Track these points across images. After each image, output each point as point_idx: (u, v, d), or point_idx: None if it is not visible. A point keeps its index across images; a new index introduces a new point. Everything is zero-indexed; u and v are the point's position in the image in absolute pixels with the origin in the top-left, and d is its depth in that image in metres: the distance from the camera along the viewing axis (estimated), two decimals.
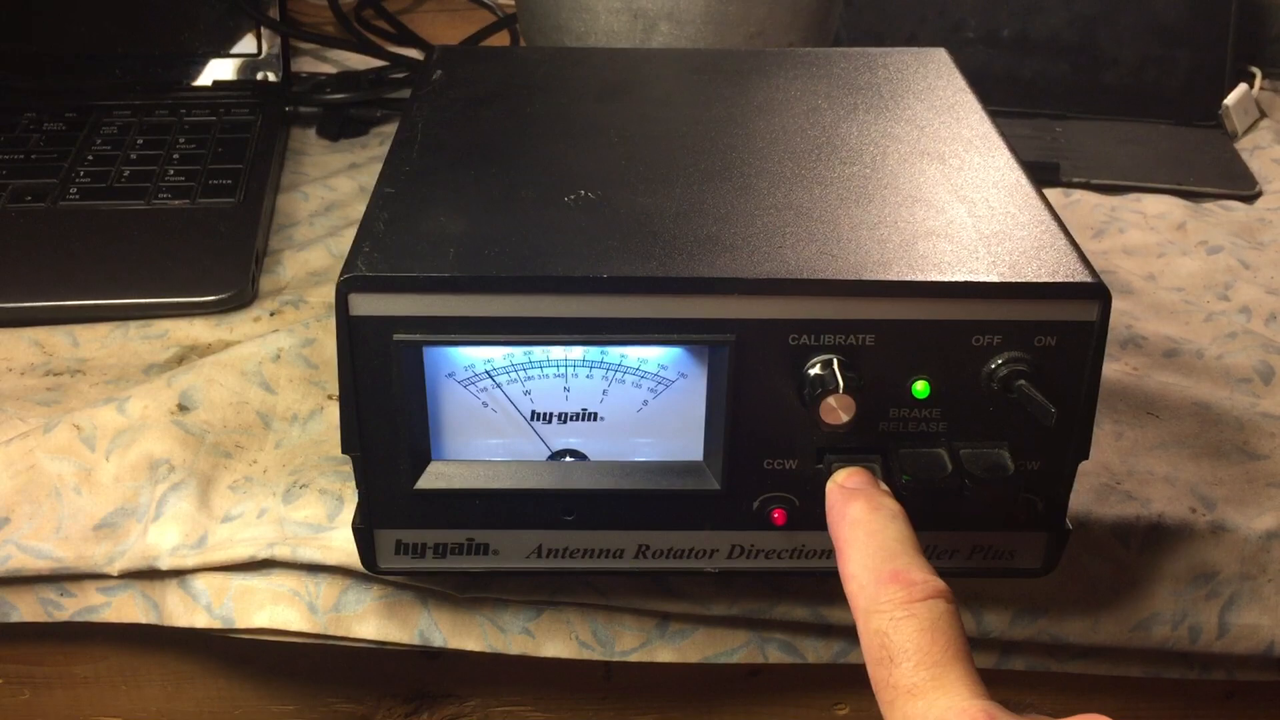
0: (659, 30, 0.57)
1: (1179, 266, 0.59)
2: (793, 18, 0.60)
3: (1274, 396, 0.49)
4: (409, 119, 0.45)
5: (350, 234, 0.59)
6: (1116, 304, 0.56)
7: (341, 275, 0.35)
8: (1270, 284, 0.57)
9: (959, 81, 0.49)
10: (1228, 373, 0.51)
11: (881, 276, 0.35)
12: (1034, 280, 0.35)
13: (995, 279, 0.35)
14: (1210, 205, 0.65)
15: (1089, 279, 0.35)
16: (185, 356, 0.50)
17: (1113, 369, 0.50)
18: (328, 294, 0.55)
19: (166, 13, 0.72)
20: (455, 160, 0.42)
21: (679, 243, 0.37)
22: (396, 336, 0.36)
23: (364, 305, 0.35)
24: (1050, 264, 0.36)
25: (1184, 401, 0.48)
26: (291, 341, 0.50)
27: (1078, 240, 0.56)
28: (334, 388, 0.48)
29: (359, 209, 0.63)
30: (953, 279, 0.35)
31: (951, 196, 0.40)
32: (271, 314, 0.53)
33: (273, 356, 0.49)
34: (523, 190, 0.40)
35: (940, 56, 0.52)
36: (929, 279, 0.35)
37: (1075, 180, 0.67)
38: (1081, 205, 0.65)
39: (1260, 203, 0.65)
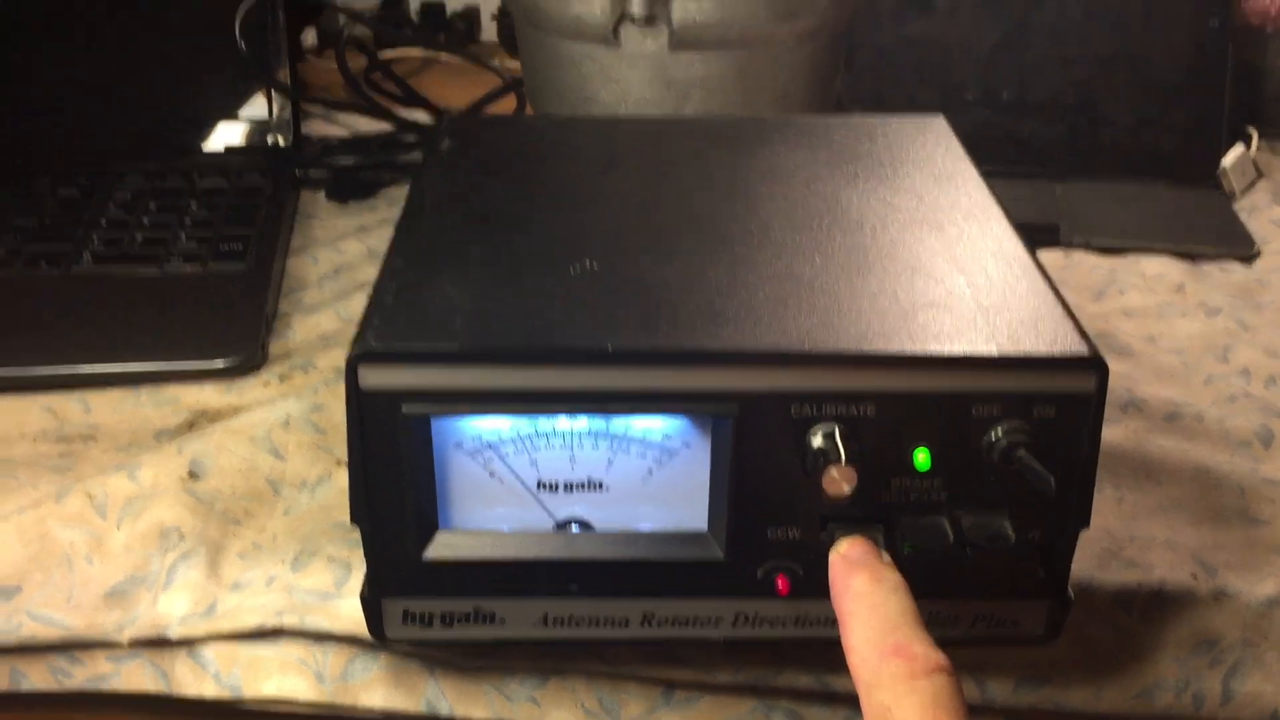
0: (691, 98, 0.58)
1: (1179, 328, 0.59)
2: (810, 81, 0.61)
3: (1274, 460, 0.50)
4: (418, 188, 0.46)
5: (359, 298, 0.60)
6: (1117, 367, 0.56)
7: (352, 349, 0.36)
8: (1269, 346, 0.58)
9: (957, 149, 0.50)
10: (1228, 436, 0.51)
11: (882, 349, 0.36)
12: (1031, 353, 0.36)
13: (993, 351, 0.36)
14: (1209, 266, 0.66)
15: (1085, 352, 0.36)
16: (196, 422, 0.51)
17: (1114, 432, 0.51)
18: (336, 358, 0.56)
19: (179, 77, 0.73)
20: (463, 230, 0.43)
21: (682, 314, 0.37)
22: (405, 408, 0.36)
23: (373, 378, 0.36)
24: (1048, 335, 0.37)
25: (1185, 465, 0.49)
26: (300, 407, 0.51)
27: (1078, 302, 0.56)
28: (342, 453, 0.49)
29: (367, 272, 0.64)
30: (951, 352, 0.36)
31: (950, 266, 0.40)
32: (280, 378, 0.54)
33: (282, 423, 0.49)
34: (529, 261, 0.40)
35: (939, 124, 0.53)
36: (928, 351, 0.36)
37: (1075, 241, 0.67)
38: (1081, 266, 0.65)
39: (1258, 264, 0.66)
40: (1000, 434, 0.36)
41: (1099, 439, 0.37)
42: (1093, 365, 0.36)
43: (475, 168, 0.48)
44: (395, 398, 0.36)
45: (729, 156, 0.49)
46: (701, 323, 0.37)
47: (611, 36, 0.56)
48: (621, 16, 0.55)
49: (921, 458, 0.37)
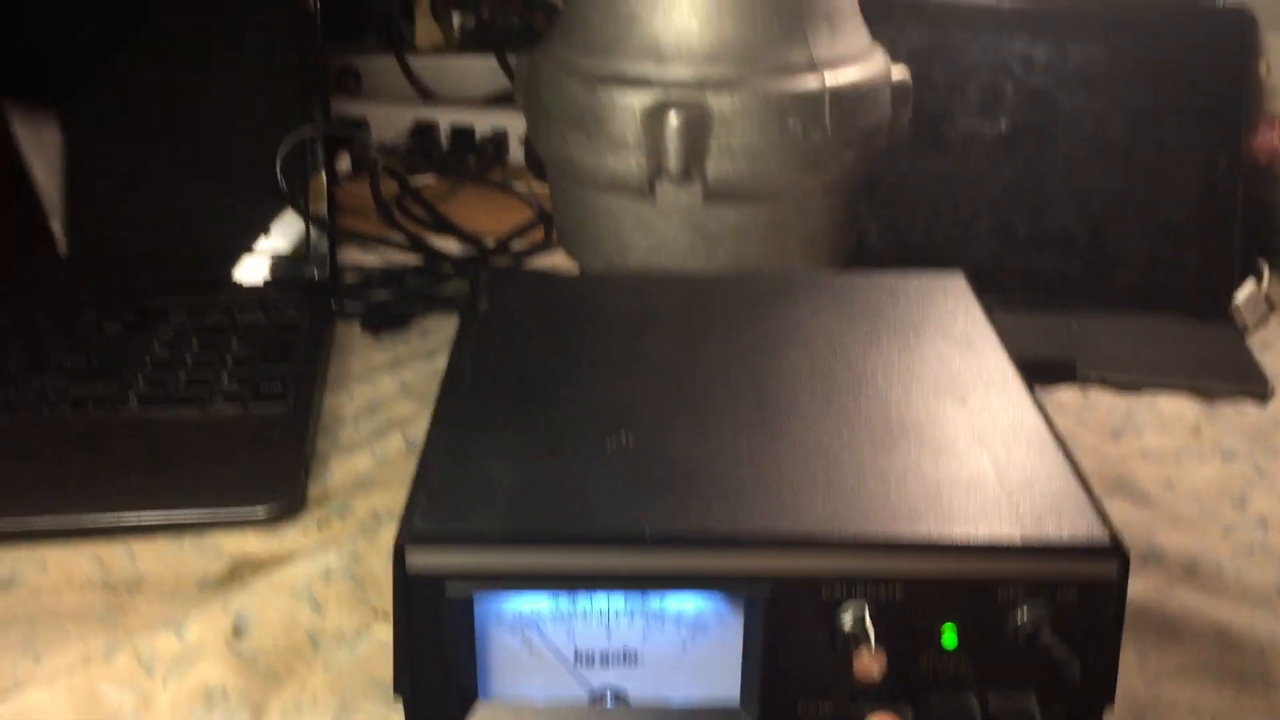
0: (724, 246, 0.60)
1: (1196, 473, 0.60)
2: (836, 225, 0.63)
3: None
4: (458, 351, 0.48)
5: (393, 437, 0.62)
6: (1136, 514, 0.57)
7: (399, 533, 0.37)
8: None
9: (976, 311, 0.52)
10: (1247, 592, 0.52)
11: (909, 534, 0.37)
12: (1054, 540, 0.37)
13: (1017, 538, 0.37)
14: (1224, 405, 0.67)
15: (1106, 540, 0.37)
16: (237, 570, 0.52)
17: (1135, 586, 0.52)
18: (373, 502, 0.57)
19: (219, 211, 0.76)
20: (502, 399, 0.44)
21: (715, 494, 0.39)
22: (450, 589, 0.38)
23: (420, 560, 0.37)
24: (1070, 521, 0.38)
25: (1205, 624, 0.49)
26: (339, 558, 0.52)
27: (1096, 444, 0.58)
28: (380, 603, 0.50)
29: (401, 409, 0.66)
30: (976, 538, 0.37)
31: (974, 443, 0.42)
32: (319, 524, 0.55)
33: (322, 575, 0.51)
34: (567, 433, 0.42)
35: (958, 283, 0.54)
36: (954, 537, 0.37)
37: (1091, 378, 0.69)
38: (1098, 406, 0.67)
39: (1273, 404, 0.67)
40: (1025, 616, 0.38)
41: (1122, 622, 0.38)
42: (1114, 553, 0.37)
43: (513, 329, 0.50)
44: (440, 579, 0.37)
45: (757, 317, 0.51)
46: (734, 503, 0.38)
47: (647, 190, 0.58)
48: (657, 172, 0.57)
49: (949, 637, 0.38)
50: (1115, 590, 0.37)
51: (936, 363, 0.47)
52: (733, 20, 0.58)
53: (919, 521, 0.38)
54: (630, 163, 0.58)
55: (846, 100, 0.59)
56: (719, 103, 0.57)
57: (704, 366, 0.47)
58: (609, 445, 0.41)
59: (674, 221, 0.60)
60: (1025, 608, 0.38)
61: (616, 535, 0.37)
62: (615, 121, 0.58)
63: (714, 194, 0.58)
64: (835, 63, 0.60)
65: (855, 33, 0.63)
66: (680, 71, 0.58)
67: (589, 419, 0.43)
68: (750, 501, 0.39)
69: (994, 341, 0.49)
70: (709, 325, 0.51)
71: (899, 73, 0.64)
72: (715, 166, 0.58)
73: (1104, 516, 0.38)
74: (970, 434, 0.42)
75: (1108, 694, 0.39)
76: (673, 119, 0.56)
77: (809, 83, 0.58)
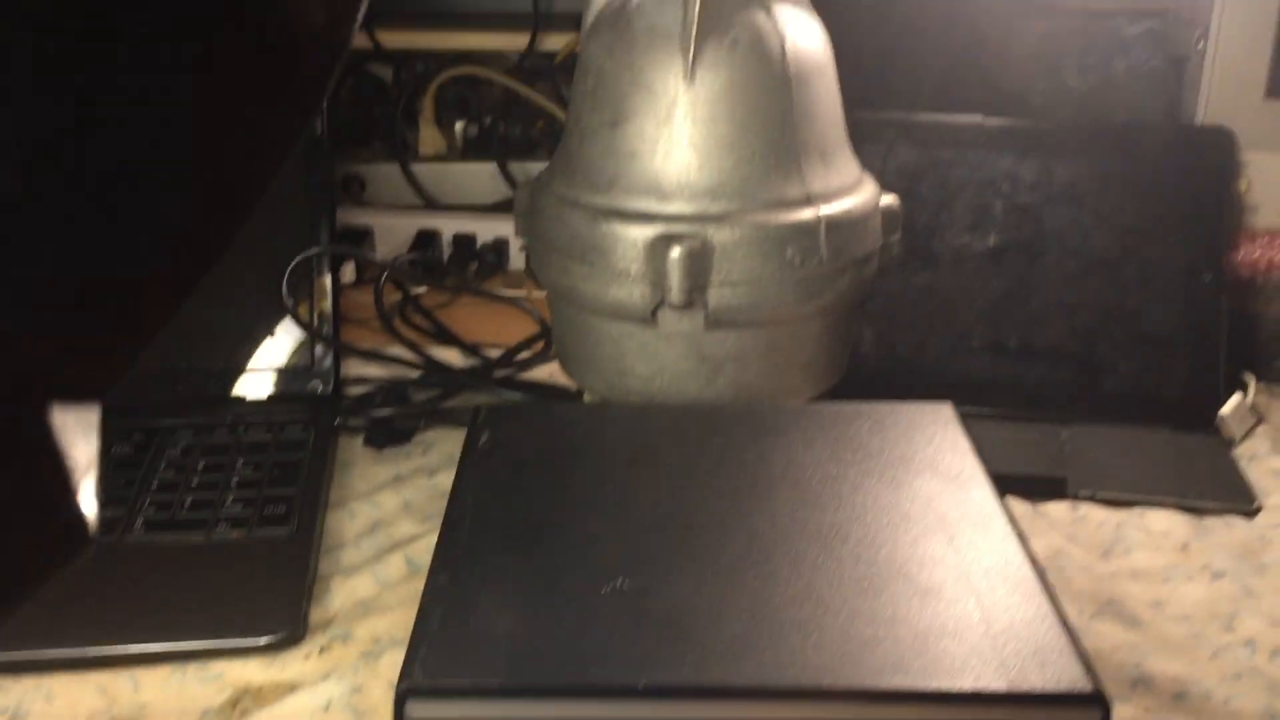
0: (725, 371, 0.62)
1: (1184, 594, 0.61)
2: (832, 347, 0.65)
3: None
4: (459, 490, 0.50)
5: (394, 560, 0.63)
6: (1125, 637, 0.58)
7: (400, 681, 0.38)
8: (1273, 614, 0.60)
9: (964, 444, 0.53)
10: (1234, 718, 0.52)
11: (896, 684, 0.38)
12: (1037, 689, 0.38)
13: (1002, 686, 0.38)
14: (1213, 521, 0.68)
15: (1089, 689, 0.38)
16: (239, 700, 0.53)
17: (1124, 713, 0.53)
18: (374, 628, 0.58)
19: (226, 329, 0.78)
20: (501, 543, 0.46)
21: (709, 643, 0.40)
22: None
23: (421, 711, 0.38)
24: (1053, 669, 0.39)
25: None
26: (340, 689, 0.53)
27: (1086, 563, 0.59)
28: None
29: (403, 528, 0.67)
30: (961, 688, 0.38)
31: (960, 586, 0.43)
32: (321, 650, 0.56)
33: (323, 707, 0.52)
34: (565, 578, 0.43)
35: (946, 413, 0.56)
36: (940, 687, 0.38)
37: (1082, 494, 0.70)
38: (1088, 522, 0.68)
39: (1260, 519, 0.68)
40: None
41: None
42: (1096, 701, 0.38)
43: (512, 466, 0.51)
44: None
45: (751, 451, 0.52)
46: (727, 652, 0.39)
47: (650, 318, 0.60)
48: (660, 302, 0.59)
49: None
50: None
51: (925, 501, 0.49)
52: (731, 157, 0.60)
53: (907, 670, 0.39)
54: (634, 293, 0.60)
55: (841, 230, 0.61)
56: (719, 235, 0.59)
57: (698, 504, 0.48)
58: (605, 590, 0.43)
59: (676, 347, 0.61)
60: None
61: (611, 687, 0.38)
62: (618, 254, 0.60)
63: (715, 321, 0.60)
64: (829, 194, 0.62)
65: (846, 164, 0.65)
66: (681, 206, 0.60)
67: (586, 562, 0.44)
68: (743, 650, 0.40)
69: (982, 477, 0.51)
70: (703, 459, 0.52)
71: (888, 199, 0.66)
72: (716, 295, 0.59)
73: (1087, 663, 0.39)
74: (957, 577, 0.44)
75: None
76: (675, 252, 0.57)
77: (805, 215, 0.60)
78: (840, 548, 0.45)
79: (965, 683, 0.38)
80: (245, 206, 0.18)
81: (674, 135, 0.60)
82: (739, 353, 0.62)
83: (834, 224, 0.61)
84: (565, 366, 0.68)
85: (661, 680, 0.38)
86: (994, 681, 0.38)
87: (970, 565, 0.44)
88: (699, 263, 0.58)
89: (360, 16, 0.19)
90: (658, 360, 0.62)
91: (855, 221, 0.63)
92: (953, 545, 0.46)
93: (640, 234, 0.59)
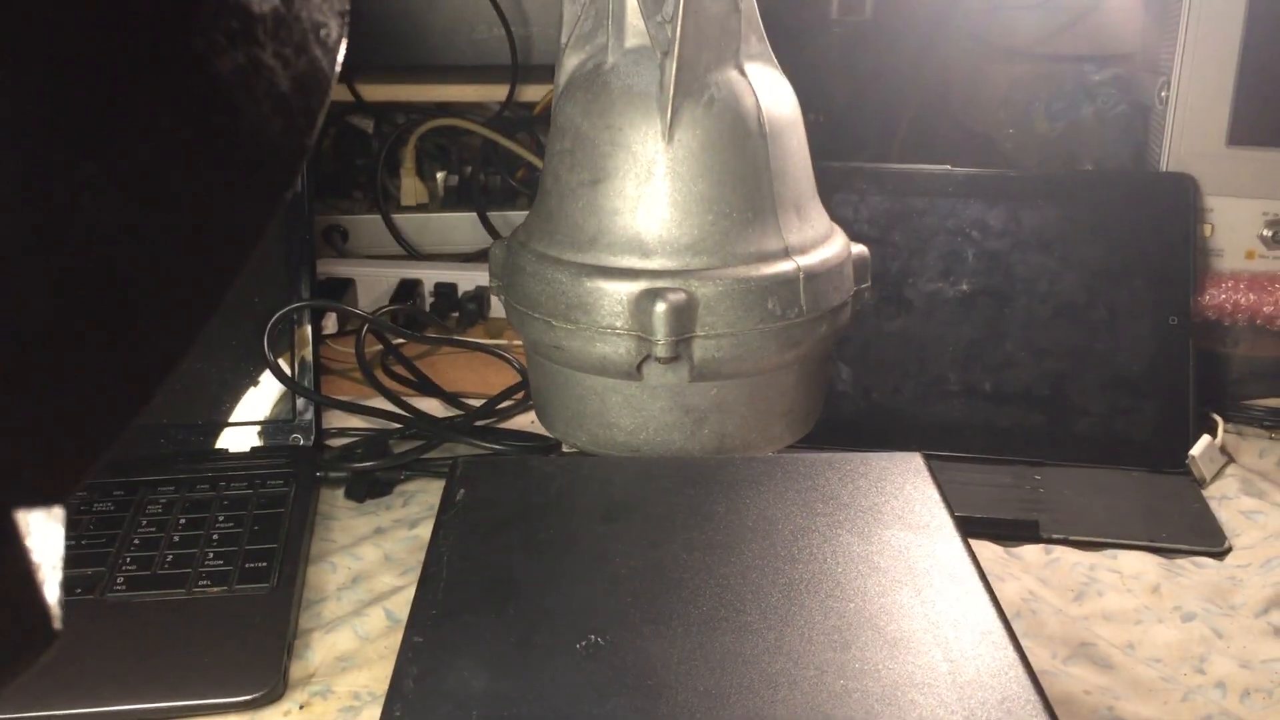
0: (709, 421, 0.62)
1: (1156, 635, 0.62)
2: (810, 393, 0.66)
3: None
4: (435, 548, 0.50)
5: (375, 614, 0.64)
6: (1098, 680, 0.59)
7: None
8: (1242, 655, 0.60)
9: (933, 495, 0.54)
10: None
11: None
12: None
13: None
14: (1183, 562, 0.69)
15: None
16: None
17: None
18: (354, 682, 0.58)
19: (207, 384, 0.78)
20: (476, 602, 0.46)
21: (681, 698, 0.41)
22: None
23: None
24: (1019, 718, 0.40)
25: None
26: None
27: (1060, 606, 0.59)
28: None
29: (383, 581, 0.67)
30: None
31: (929, 638, 0.44)
32: (301, 707, 0.57)
33: None
34: (538, 636, 0.44)
35: (916, 463, 0.57)
36: None
37: (1055, 537, 0.71)
38: (1061, 564, 0.69)
39: (1230, 559, 0.69)
40: None
41: None
42: None
43: (487, 522, 0.52)
44: None
45: (723, 504, 0.53)
46: (699, 706, 0.40)
47: (635, 372, 0.61)
48: (647, 356, 0.60)
49: None
50: None
51: (894, 552, 0.49)
52: (711, 213, 0.61)
53: None
54: (619, 348, 0.61)
55: (818, 280, 0.63)
56: (702, 289, 0.60)
57: (671, 558, 0.49)
58: (579, 647, 0.43)
59: (660, 400, 0.62)
60: None
61: None
62: (603, 310, 0.60)
63: (699, 374, 0.61)
64: (805, 246, 0.63)
65: (819, 216, 0.66)
66: (664, 262, 0.61)
67: (560, 619, 0.45)
68: (714, 705, 0.40)
69: (950, 528, 0.51)
70: (676, 513, 0.53)
71: (858, 249, 0.68)
72: (701, 348, 0.60)
73: (1051, 713, 0.40)
74: (925, 629, 0.44)
75: None
76: (660, 306, 0.58)
77: (784, 267, 0.62)
78: (810, 600, 0.46)
79: None
80: (210, 306, 0.19)
81: (655, 193, 0.61)
82: (722, 403, 0.63)
83: (811, 275, 0.62)
84: (545, 421, 0.69)
85: None
86: None
87: (938, 616, 0.45)
88: (684, 316, 0.59)
89: (320, 124, 0.20)
90: (643, 413, 0.63)
91: (830, 271, 0.64)
92: (921, 596, 0.46)
93: (625, 290, 0.60)
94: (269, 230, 0.20)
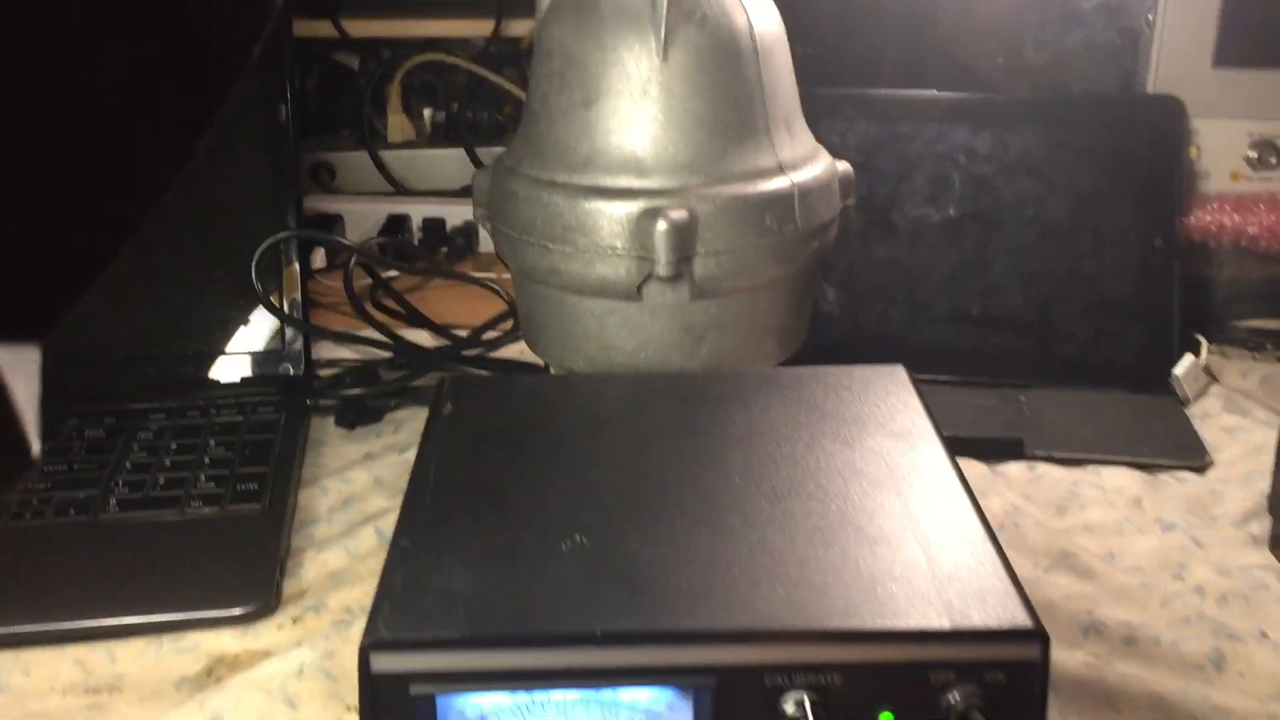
0: (708, 339, 0.63)
1: (1136, 545, 0.63)
2: (801, 309, 0.67)
3: (1225, 685, 0.53)
4: (422, 458, 0.51)
5: (366, 532, 0.64)
6: (1078, 588, 0.60)
7: (364, 637, 0.40)
8: (1221, 563, 0.61)
9: (915, 403, 0.55)
10: (1182, 660, 0.54)
11: (845, 625, 0.40)
12: (980, 626, 0.40)
13: (946, 625, 0.40)
14: (1165, 476, 0.70)
15: (1029, 624, 0.40)
16: (214, 669, 0.54)
17: (1075, 659, 0.54)
18: (346, 598, 0.59)
19: (197, 315, 0.79)
20: (463, 507, 0.47)
21: (663, 592, 0.41)
22: (413, 689, 0.40)
23: (384, 663, 0.40)
24: (996, 608, 0.40)
25: (1142, 694, 0.52)
26: (313, 655, 0.54)
27: (1042, 519, 0.60)
28: (352, 698, 0.52)
29: (374, 503, 0.68)
30: (908, 627, 0.40)
31: (908, 535, 0.44)
32: (294, 621, 0.57)
33: (296, 672, 0.53)
34: (524, 538, 0.45)
35: (899, 375, 0.57)
36: (887, 626, 0.40)
37: (1039, 454, 0.72)
38: (1045, 480, 0.70)
39: (1211, 473, 0.70)
40: (957, 698, 0.40)
41: (1046, 700, 0.40)
42: (1036, 637, 0.40)
43: (474, 434, 0.52)
44: (404, 680, 0.40)
45: (709, 416, 0.54)
46: (681, 601, 0.41)
47: (635, 293, 0.61)
48: (648, 276, 0.60)
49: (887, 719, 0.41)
50: (1039, 670, 0.40)
51: (876, 457, 0.50)
52: (705, 131, 0.61)
53: (856, 612, 0.40)
54: (620, 268, 0.61)
55: (810, 196, 0.63)
56: (701, 207, 0.60)
57: (656, 467, 0.49)
58: (564, 548, 0.44)
59: (660, 320, 0.62)
60: (956, 691, 0.40)
61: (569, 635, 0.40)
62: (603, 231, 0.60)
63: (700, 292, 0.61)
64: (796, 163, 0.64)
65: (805, 134, 0.67)
66: (662, 181, 0.61)
67: (545, 522, 0.45)
68: (696, 598, 0.41)
69: (932, 434, 0.52)
70: (661, 426, 0.53)
71: (843, 166, 0.68)
72: (701, 265, 0.61)
73: (1027, 602, 0.41)
74: (905, 527, 0.45)
75: None
76: (662, 224, 0.59)
77: (779, 183, 0.62)
78: (793, 502, 0.47)
79: (911, 622, 0.40)
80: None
81: (650, 112, 0.61)
82: (720, 321, 0.63)
83: (805, 191, 0.63)
84: (538, 348, 0.69)
85: (617, 627, 0.40)
86: (938, 620, 0.40)
87: (918, 515, 0.46)
88: (685, 234, 0.59)
89: None
90: (642, 334, 0.63)
91: (821, 188, 0.64)
92: (901, 498, 0.47)
93: (625, 209, 0.60)
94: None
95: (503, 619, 0.40)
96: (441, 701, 0.41)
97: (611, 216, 0.61)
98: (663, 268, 0.59)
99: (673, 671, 0.40)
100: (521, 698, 0.41)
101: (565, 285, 0.63)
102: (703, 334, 0.63)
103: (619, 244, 0.61)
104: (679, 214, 0.59)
